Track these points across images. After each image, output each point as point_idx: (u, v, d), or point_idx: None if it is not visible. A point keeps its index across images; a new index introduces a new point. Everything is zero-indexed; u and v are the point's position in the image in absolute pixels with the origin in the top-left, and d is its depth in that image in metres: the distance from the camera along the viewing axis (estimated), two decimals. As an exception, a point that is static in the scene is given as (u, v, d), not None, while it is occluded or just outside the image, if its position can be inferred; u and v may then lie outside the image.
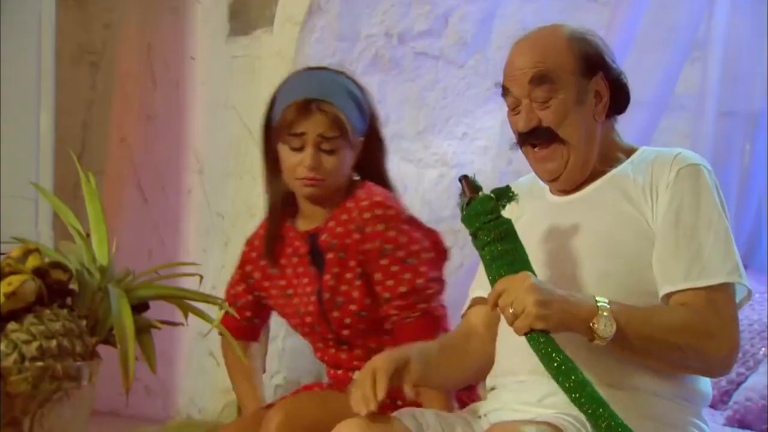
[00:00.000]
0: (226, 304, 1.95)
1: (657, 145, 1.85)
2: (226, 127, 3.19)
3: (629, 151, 1.75)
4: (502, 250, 1.60)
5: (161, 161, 3.34)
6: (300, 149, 1.98)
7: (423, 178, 3.28)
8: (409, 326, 2.00)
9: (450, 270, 3.32)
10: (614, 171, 1.72)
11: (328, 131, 1.97)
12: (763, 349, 2.61)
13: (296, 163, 1.98)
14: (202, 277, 1.92)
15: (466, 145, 3.34)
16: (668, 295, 1.62)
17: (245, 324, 2.14)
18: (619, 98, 1.74)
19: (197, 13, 3.20)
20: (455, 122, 3.33)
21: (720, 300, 1.60)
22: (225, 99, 3.18)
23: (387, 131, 3.23)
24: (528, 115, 1.70)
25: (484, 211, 1.62)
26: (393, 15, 3.21)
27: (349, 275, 2.02)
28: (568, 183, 1.73)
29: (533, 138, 1.70)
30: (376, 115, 2.11)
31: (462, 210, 1.65)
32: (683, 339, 1.58)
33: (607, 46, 1.75)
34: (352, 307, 2.02)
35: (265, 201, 2.11)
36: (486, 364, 1.76)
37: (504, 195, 1.65)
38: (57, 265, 1.46)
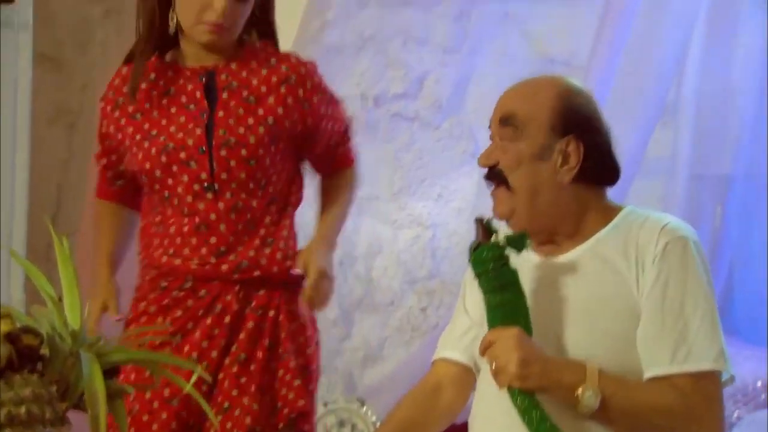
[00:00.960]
0: (200, 367, 1.93)
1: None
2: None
3: (613, 213, 1.72)
4: (501, 301, 1.59)
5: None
6: None
7: (398, 239, 3.29)
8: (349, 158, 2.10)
9: (425, 329, 3.36)
10: (598, 236, 1.69)
11: None
12: (737, 412, 2.61)
13: (205, 5, 1.89)
14: (177, 337, 1.91)
15: (442, 207, 3.36)
16: (654, 377, 1.60)
17: (117, 189, 2.08)
18: (600, 167, 1.69)
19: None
20: (430, 184, 3.35)
21: (706, 386, 1.59)
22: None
23: (362, 192, 3.28)
24: (489, 151, 1.70)
25: (491, 258, 1.60)
26: (369, 77, 3.24)
27: (251, 120, 1.96)
28: (516, 227, 1.70)
29: (488, 176, 1.70)
30: None
31: (471, 252, 1.63)
32: (667, 421, 1.58)
33: (597, 111, 1.72)
34: (243, 152, 1.95)
35: (137, 41, 1.99)
36: (452, 420, 1.76)
37: (516, 243, 1.63)
38: (28, 330, 1.45)
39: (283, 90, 2.01)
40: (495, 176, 1.69)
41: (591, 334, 1.63)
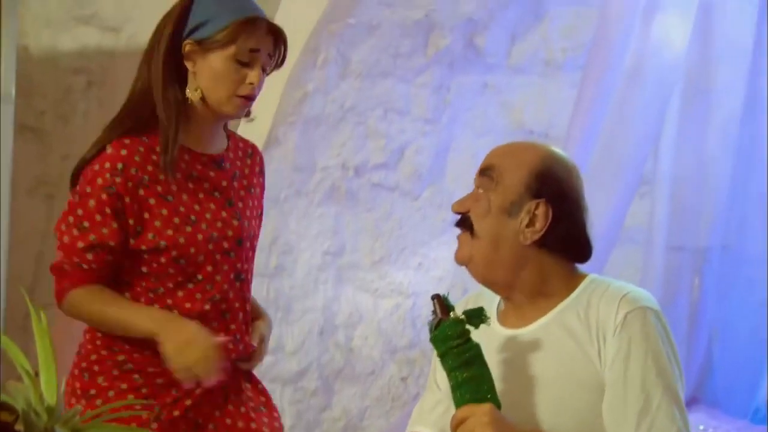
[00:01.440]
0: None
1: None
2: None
3: (576, 282, 1.72)
4: (467, 377, 1.58)
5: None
6: (246, 65, 1.91)
7: (378, 308, 3.27)
8: None
9: (406, 399, 3.33)
10: (561, 306, 1.69)
11: (274, 51, 1.94)
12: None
13: (240, 78, 1.90)
14: (156, 411, 1.88)
15: (422, 276, 3.35)
16: None
17: (106, 272, 1.89)
18: (568, 238, 1.70)
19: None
20: (411, 253, 3.35)
21: None
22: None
23: (343, 261, 3.28)
24: (464, 199, 1.72)
25: (453, 335, 1.59)
26: (350, 148, 3.24)
27: (255, 211, 2.01)
28: (474, 274, 1.70)
29: (458, 223, 1.72)
30: None
31: (431, 330, 1.63)
32: None
33: (578, 187, 1.71)
34: (254, 243, 2.00)
35: (161, 113, 1.88)
36: None
37: (475, 316, 1.62)
38: (3, 406, 1.43)
39: (261, 180, 2.08)
40: (463, 223, 1.72)
41: (557, 407, 1.62)
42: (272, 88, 3.04)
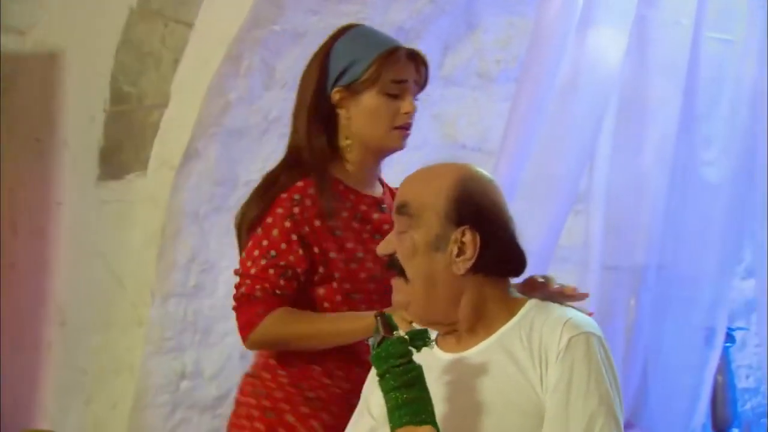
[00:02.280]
0: None
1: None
2: (93, 277, 3.00)
3: (517, 306, 1.69)
4: (408, 399, 1.54)
5: (20, 313, 3.10)
6: (396, 97, 1.99)
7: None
8: None
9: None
10: (502, 331, 1.66)
11: (420, 80, 2.03)
12: None
13: (395, 111, 1.99)
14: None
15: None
16: None
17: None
18: (500, 258, 1.67)
19: (64, 156, 3.05)
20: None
21: None
22: (92, 246, 3.01)
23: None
24: (387, 240, 1.68)
25: (395, 353, 1.56)
26: (274, 162, 3.10)
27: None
28: (415, 318, 1.69)
29: (389, 264, 1.68)
30: None
31: (373, 348, 1.60)
32: None
33: (499, 201, 1.69)
34: None
35: (310, 162, 1.98)
36: None
37: (419, 338, 1.60)
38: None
39: None
40: (394, 265, 1.67)
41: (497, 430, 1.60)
42: (191, 98, 2.92)
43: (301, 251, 1.94)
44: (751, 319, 3.20)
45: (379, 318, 1.62)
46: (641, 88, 2.96)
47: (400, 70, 1.99)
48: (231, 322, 3.04)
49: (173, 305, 2.93)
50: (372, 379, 1.71)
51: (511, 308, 1.68)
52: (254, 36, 2.94)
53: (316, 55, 2.07)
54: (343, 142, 2.02)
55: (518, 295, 1.73)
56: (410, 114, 2.00)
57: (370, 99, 1.98)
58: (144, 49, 2.98)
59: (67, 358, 3.02)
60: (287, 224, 1.93)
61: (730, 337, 3.02)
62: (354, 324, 1.91)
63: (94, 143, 3.04)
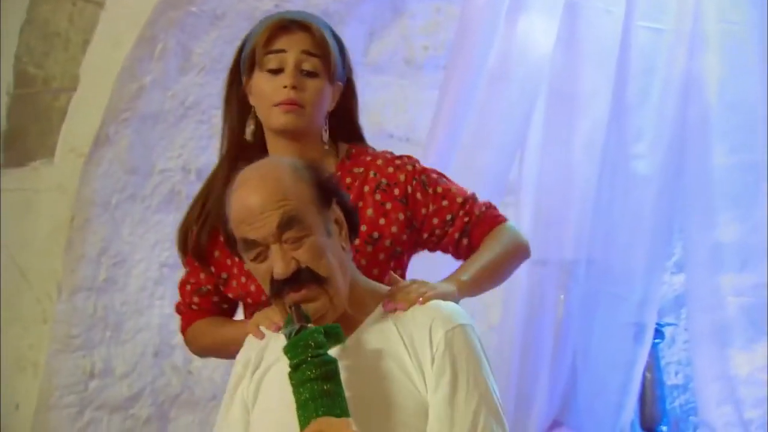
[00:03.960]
0: None
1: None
2: (-5, 269, 2.83)
3: (379, 292, 1.68)
4: (326, 390, 1.50)
5: None
6: (278, 71, 1.85)
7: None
8: None
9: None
10: (370, 319, 1.64)
11: (312, 47, 1.86)
12: None
13: (274, 86, 1.84)
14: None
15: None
16: None
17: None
18: (353, 224, 1.68)
19: (-37, 142, 2.87)
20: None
21: None
22: (-6, 238, 2.84)
23: (182, 274, 3.01)
24: (284, 258, 1.58)
25: (315, 344, 1.52)
26: (191, 148, 3.01)
27: None
28: (340, 311, 1.64)
29: (294, 282, 1.58)
30: (351, 67, 2.00)
31: (288, 337, 1.55)
32: None
33: (321, 170, 1.68)
34: None
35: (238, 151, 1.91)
36: None
37: (333, 334, 1.56)
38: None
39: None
40: (304, 277, 1.60)
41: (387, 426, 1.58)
42: (102, 81, 2.78)
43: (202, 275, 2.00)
44: (680, 315, 3.17)
45: (293, 308, 1.58)
46: (572, 78, 2.90)
47: (272, 40, 1.85)
48: (144, 317, 2.94)
49: (81, 300, 2.80)
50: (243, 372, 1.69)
51: (376, 291, 1.68)
52: (169, 17, 2.82)
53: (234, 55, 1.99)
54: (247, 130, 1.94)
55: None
56: (290, 87, 1.84)
57: (256, 79, 1.88)
58: (50, 28, 2.82)
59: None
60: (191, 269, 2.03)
61: (659, 333, 2.99)
62: (236, 328, 1.88)
63: (-6, 128, 2.88)
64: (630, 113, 2.91)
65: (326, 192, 1.64)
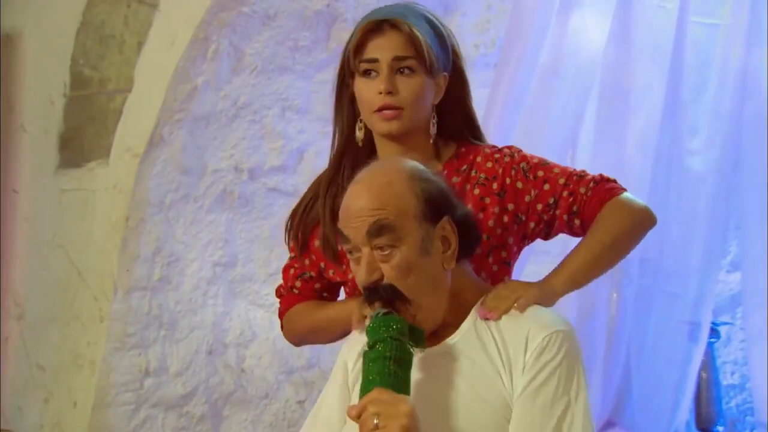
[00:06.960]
0: None
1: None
2: (52, 268, 2.88)
3: (484, 292, 1.67)
4: (395, 372, 1.49)
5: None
6: (371, 76, 1.85)
7: (274, 325, 3.03)
8: None
9: (302, 426, 3.11)
10: (465, 324, 1.63)
11: (403, 51, 1.83)
12: None
13: (371, 92, 1.83)
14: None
15: (321, 288, 3.14)
16: None
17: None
18: (467, 240, 1.64)
19: (22, 142, 2.92)
20: (310, 263, 3.13)
21: None
22: (52, 237, 2.89)
23: (235, 273, 3.04)
24: (369, 266, 1.57)
25: (397, 328, 1.52)
26: (243, 149, 3.03)
27: None
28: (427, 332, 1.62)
29: (375, 295, 1.57)
30: (458, 52, 1.97)
31: (376, 317, 1.55)
32: None
33: (449, 185, 1.66)
34: None
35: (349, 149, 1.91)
36: None
37: (417, 335, 1.56)
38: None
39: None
40: (385, 293, 1.57)
41: (467, 426, 1.57)
42: (156, 82, 2.81)
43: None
44: (736, 314, 3.12)
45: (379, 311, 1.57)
46: (625, 74, 2.86)
47: (363, 46, 1.84)
48: (197, 316, 2.97)
49: (137, 299, 2.83)
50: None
51: (480, 291, 1.66)
52: (222, 18, 2.84)
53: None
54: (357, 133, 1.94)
55: (479, 279, 1.71)
56: (384, 93, 1.82)
57: (357, 84, 1.87)
58: (106, 31, 2.86)
59: (24, 354, 2.91)
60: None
61: (714, 332, 2.94)
62: (338, 308, 1.91)
63: (53, 129, 2.93)
64: (684, 109, 2.86)
65: (436, 207, 1.60)
